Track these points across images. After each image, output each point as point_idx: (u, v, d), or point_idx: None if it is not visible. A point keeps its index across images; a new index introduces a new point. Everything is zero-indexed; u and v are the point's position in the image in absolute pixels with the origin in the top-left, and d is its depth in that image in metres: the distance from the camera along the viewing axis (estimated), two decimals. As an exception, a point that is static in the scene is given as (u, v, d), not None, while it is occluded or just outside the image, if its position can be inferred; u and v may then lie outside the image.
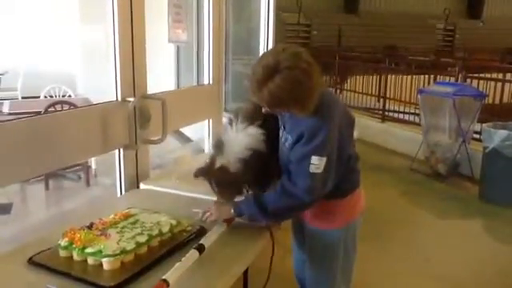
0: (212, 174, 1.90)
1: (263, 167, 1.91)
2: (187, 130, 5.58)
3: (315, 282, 2.08)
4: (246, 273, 2.34)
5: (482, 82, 6.31)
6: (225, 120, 2.05)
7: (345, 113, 1.87)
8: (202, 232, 1.81)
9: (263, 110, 1.80)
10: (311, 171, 1.72)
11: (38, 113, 4.13)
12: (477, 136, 5.42)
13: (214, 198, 2.11)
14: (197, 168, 1.96)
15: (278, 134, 1.92)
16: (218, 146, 1.93)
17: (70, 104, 5.02)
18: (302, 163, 1.73)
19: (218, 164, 1.87)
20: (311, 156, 1.71)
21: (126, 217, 1.82)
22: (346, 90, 8.59)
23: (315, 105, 1.72)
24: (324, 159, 1.72)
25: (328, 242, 1.98)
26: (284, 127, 1.89)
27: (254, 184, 1.97)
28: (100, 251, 1.54)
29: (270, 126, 1.92)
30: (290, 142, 1.81)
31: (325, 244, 1.99)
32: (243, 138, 1.88)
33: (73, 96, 7.03)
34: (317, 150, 1.72)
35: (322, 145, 1.72)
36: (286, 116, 1.85)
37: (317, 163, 1.71)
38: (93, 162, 5.03)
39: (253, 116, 1.91)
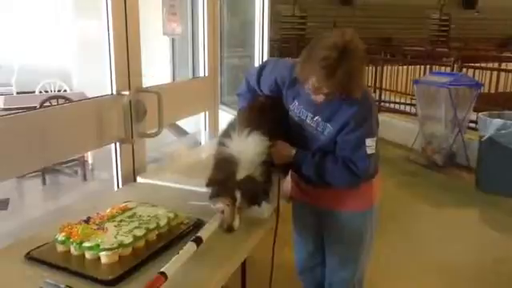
0: (236, 185, 1.71)
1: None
2: (183, 123, 5.57)
3: (341, 266, 2.09)
4: (243, 264, 2.35)
5: (477, 71, 6.33)
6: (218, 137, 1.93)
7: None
8: (199, 224, 1.80)
9: (318, 98, 1.76)
10: (369, 153, 1.80)
11: (33, 108, 4.11)
12: (472, 125, 5.44)
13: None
14: (209, 178, 1.78)
15: (276, 129, 1.89)
16: (229, 160, 1.76)
17: (66, 99, 4.99)
18: (360, 148, 1.79)
19: (240, 175, 1.71)
20: (365, 139, 1.79)
21: (124, 210, 1.81)
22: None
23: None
24: (375, 139, 1.82)
25: (357, 225, 2.02)
26: (316, 115, 1.86)
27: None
28: (97, 245, 1.54)
29: (269, 124, 1.88)
30: (330, 130, 1.83)
31: (354, 227, 2.02)
32: (252, 143, 1.77)
33: (69, 91, 7.00)
34: (370, 133, 1.80)
35: (372, 127, 1.82)
36: (323, 105, 1.80)
37: (371, 144, 1.80)
38: (89, 156, 5.03)
39: (250, 121, 1.84)
